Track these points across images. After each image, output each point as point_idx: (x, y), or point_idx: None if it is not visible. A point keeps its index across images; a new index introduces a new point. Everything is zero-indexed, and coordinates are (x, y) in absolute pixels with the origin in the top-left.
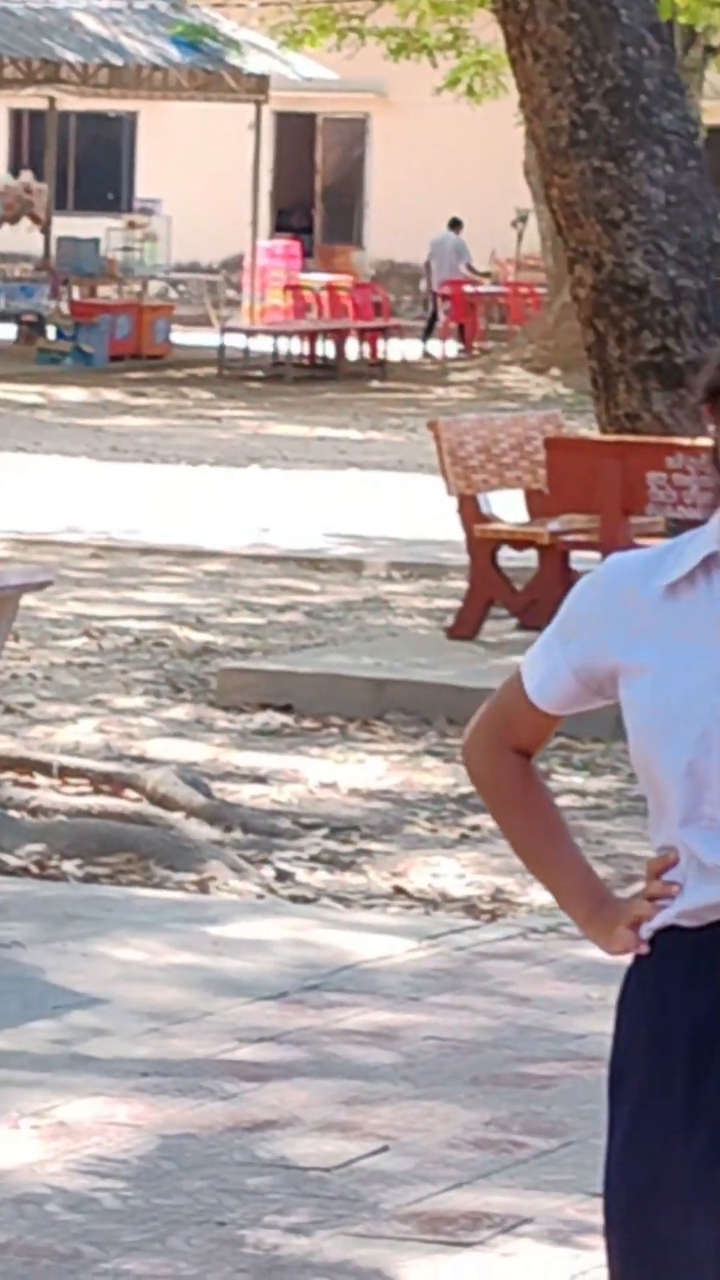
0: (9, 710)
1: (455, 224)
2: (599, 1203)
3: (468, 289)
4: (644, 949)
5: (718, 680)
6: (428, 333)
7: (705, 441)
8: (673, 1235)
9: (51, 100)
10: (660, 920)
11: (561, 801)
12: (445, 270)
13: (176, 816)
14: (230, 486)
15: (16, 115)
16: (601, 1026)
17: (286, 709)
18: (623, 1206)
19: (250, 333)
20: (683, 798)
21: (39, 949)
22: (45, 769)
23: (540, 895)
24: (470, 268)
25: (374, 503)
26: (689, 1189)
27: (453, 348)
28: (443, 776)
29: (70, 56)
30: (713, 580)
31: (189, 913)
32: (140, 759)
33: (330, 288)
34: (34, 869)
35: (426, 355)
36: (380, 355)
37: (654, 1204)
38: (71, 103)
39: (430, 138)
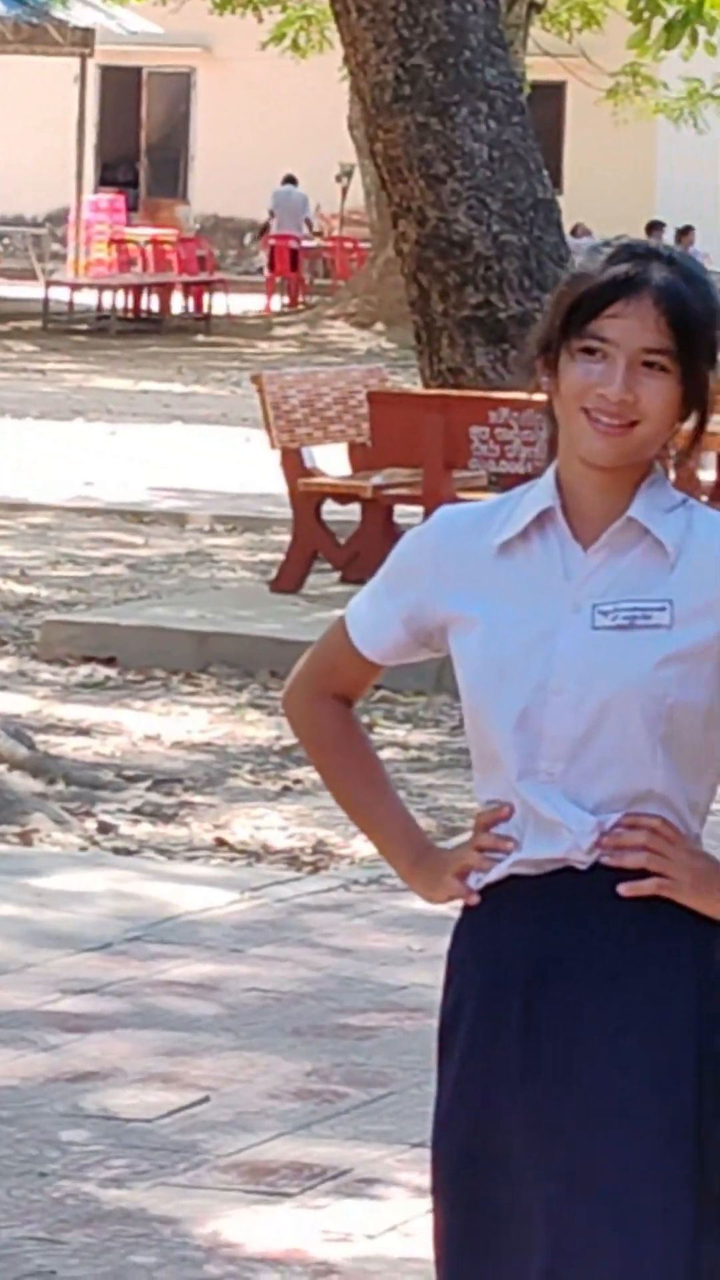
0: None
1: (291, 180)
2: (420, 1153)
3: (293, 244)
4: (474, 899)
5: (550, 635)
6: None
7: (528, 395)
8: (499, 1190)
9: None
10: (496, 873)
11: (384, 754)
12: (290, 224)
13: None
14: (54, 440)
15: None
16: (422, 978)
17: (110, 661)
18: (450, 1160)
19: (75, 286)
20: (516, 752)
21: None
22: None
23: (362, 847)
24: (309, 222)
25: (198, 456)
26: (517, 1144)
27: (277, 301)
28: (265, 729)
29: None
30: (546, 536)
31: (12, 865)
32: None
33: (155, 242)
34: None
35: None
36: (205, 309)
37: (481, 1158)
38: None
39: (255, 92)
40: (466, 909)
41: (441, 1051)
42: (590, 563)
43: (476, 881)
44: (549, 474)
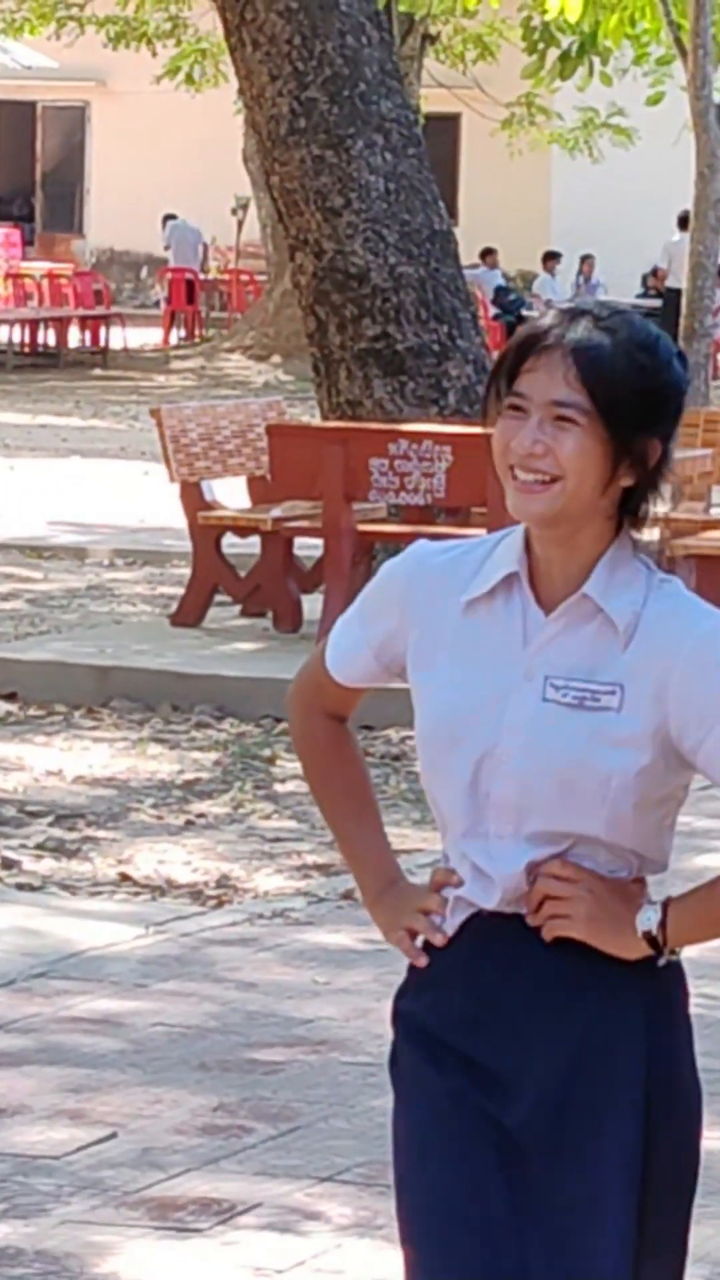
0: None
1: (171, 216)
2: (327, 1188)
3: (188, 276)
4: (421, 961)
5: (501, 700)
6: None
7: (426, 427)
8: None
9: None
10: (450, 927)
11: (287, 787)
12: (188, 257)
13: None
14: None
15: None
16: (328, 1011)
17: (11, 697)
18: (402, 1164)
19: None
20: (464, 812)
21: None
22: None
23: (265, 881)
24: (206, 250)
25: (97, 490)
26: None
27: (175, 335)
28: (168, 764)
29: None
30: (511, 596)
31: None
32: None
33: (51, 275)
34: None
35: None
36: (102, 343)
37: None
38: None
39: (150, 126)
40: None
41: (394, 1084)
42: (548, 630)
43: (437, 930)
44: (519, 533)
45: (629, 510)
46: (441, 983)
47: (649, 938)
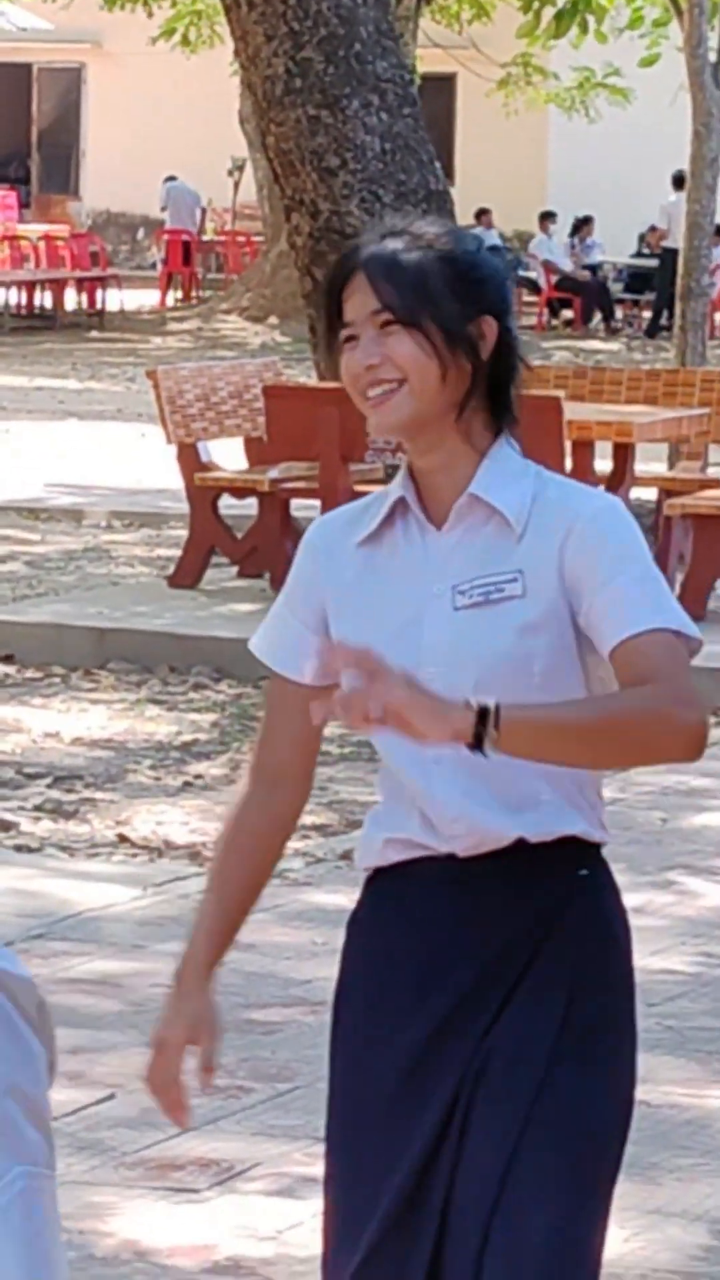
0: None
1: (172, 178)
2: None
3: (185, 238)
4: (183, 1122)
5: (415, 622)
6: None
7: None
8: (371, 1148)
9: None
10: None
11: None
12: (185, 218)
13: None
14: None
15: None
16: (326, 971)
17: (8, 659)
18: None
19: None
20: (401, 746)
21: None
22: None
23: None
24: (203, 211)
25: (94, 452)
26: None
27: (171, 296)
28: (165, 725)
29: None
30: (408, 524)
31: None
32: None
33: (47, 238)
34: None
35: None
36: (99, 305)
37: (362, 1101)
38: None
39: (146, 87)
40: (365, 893)
41: (334, 1030)
42: (444, 544)
43: (380, 860)
44: (403, 466)
45: (496, 405)
46: (384, 922)
47: (480, 710)
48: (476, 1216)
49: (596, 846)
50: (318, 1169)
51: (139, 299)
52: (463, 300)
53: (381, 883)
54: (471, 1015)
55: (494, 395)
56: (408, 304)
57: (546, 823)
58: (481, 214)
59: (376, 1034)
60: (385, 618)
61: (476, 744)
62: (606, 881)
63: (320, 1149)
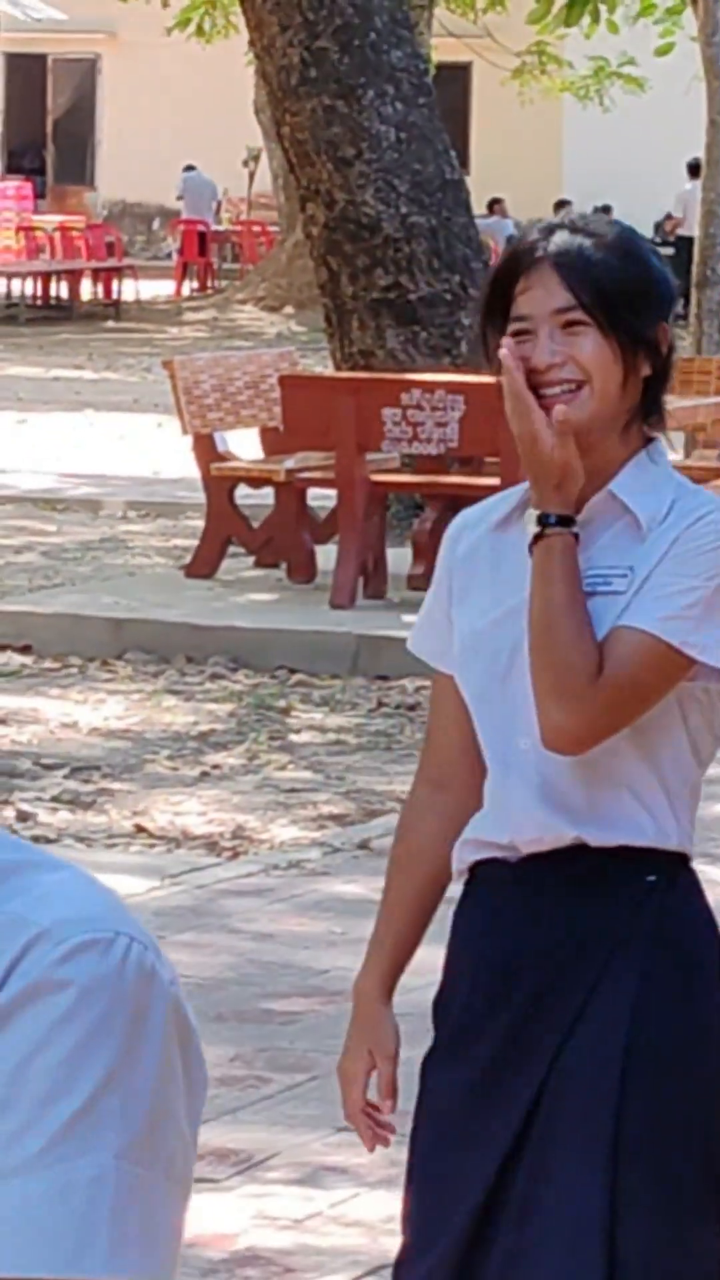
0: None
1: (191, 167)
2: (344, 1138)
3: (200, 228)
4: (371, 1146)
5: (514, 611)
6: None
7: (439, 377)
8: (444, 1160)
9: None
10: (467, 860)
11: (302, 738)
12: (201, 208)
13: None
14: None
15: None
16: (344, 961)
17: (25, 649)
18: (415, 1127)
19: None
20: (490, 726)
21: None
22: None
23: (281, 832)
24: (219, 205)
25: (110, 442)
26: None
27: (187, 286)
28: (182, 715)
29: None
30: (524, 518)
31: None
32: None
33: (63, 228)
34: None
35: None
36: (115, 295)
37: (437, 1128)
38: None
39: (161, 78)
40: (465, 890)
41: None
42: None
43: (460, 864)
44: None
45: (646, 410)
46: (476, 924)
47: (541, 516)
48: (576, 1231)
49: (674, 854)
50: (337, 1158)
51: (155, 289)
52: (646, 304)
53: (467, 886)
54: (542, 1025)
55: (650, 397)
56: (602, 304)
57: (611, 829)
58: (494, 203)
59: (455, 1045)
60: (495, 600)
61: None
62: (684, 889)
63: (339, 1138)
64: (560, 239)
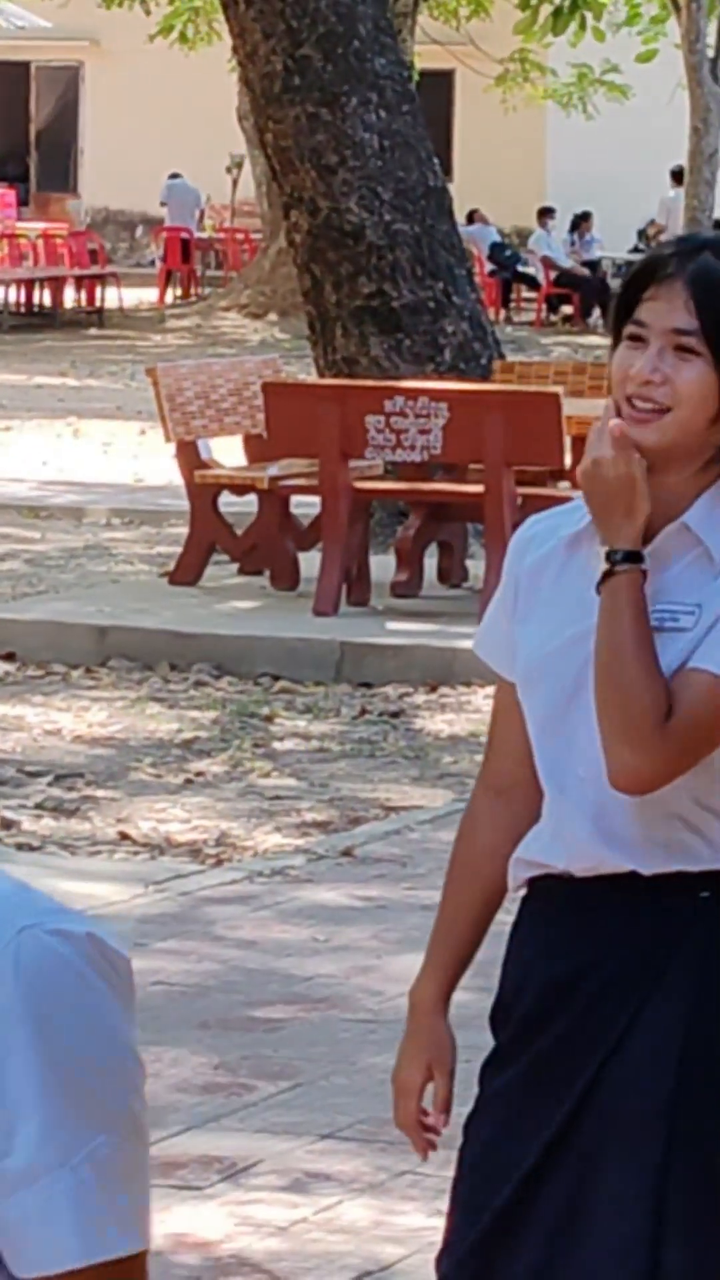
0: None
1: (176, 175)
2: (329, 1144)
3: (184, 235)
4: (426, 1150)
5: (579, 639)
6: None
7: (422, 384)
8: (496, 1150)
9: None
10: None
11: (286, 745)
12: (185, 216)
13: None
14: None
15: None
16: (328, 969)
17: (9, 657)
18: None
19: None
20: (548, 755)
21: None
22: None
23: (264, 839)
24: (202, 213)
25: (94, 450)
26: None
27: (171, 294)
28: (166, 722)
29: None
30: (593, 546)
31: None
32: None
33: (46, 235)
34: None
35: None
36: (98, 303)
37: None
38: None
39: (144, 85)
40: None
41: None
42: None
43: (514, 882)
44: None
45: None
46: (532, 944)
47: (610, 553)
48: (619, 1248)
49: None
50: (321, 1165)
51: (138, 296)
52: None
53: (524, 902)
54: (597, 1028)
55: None
56: (713, 339)
57: (667, 859)
58: (473, 214)
59: (508, 1052)
60: (561, 625)
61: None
62: None
63: (323, 1145)
64: (703, 260)
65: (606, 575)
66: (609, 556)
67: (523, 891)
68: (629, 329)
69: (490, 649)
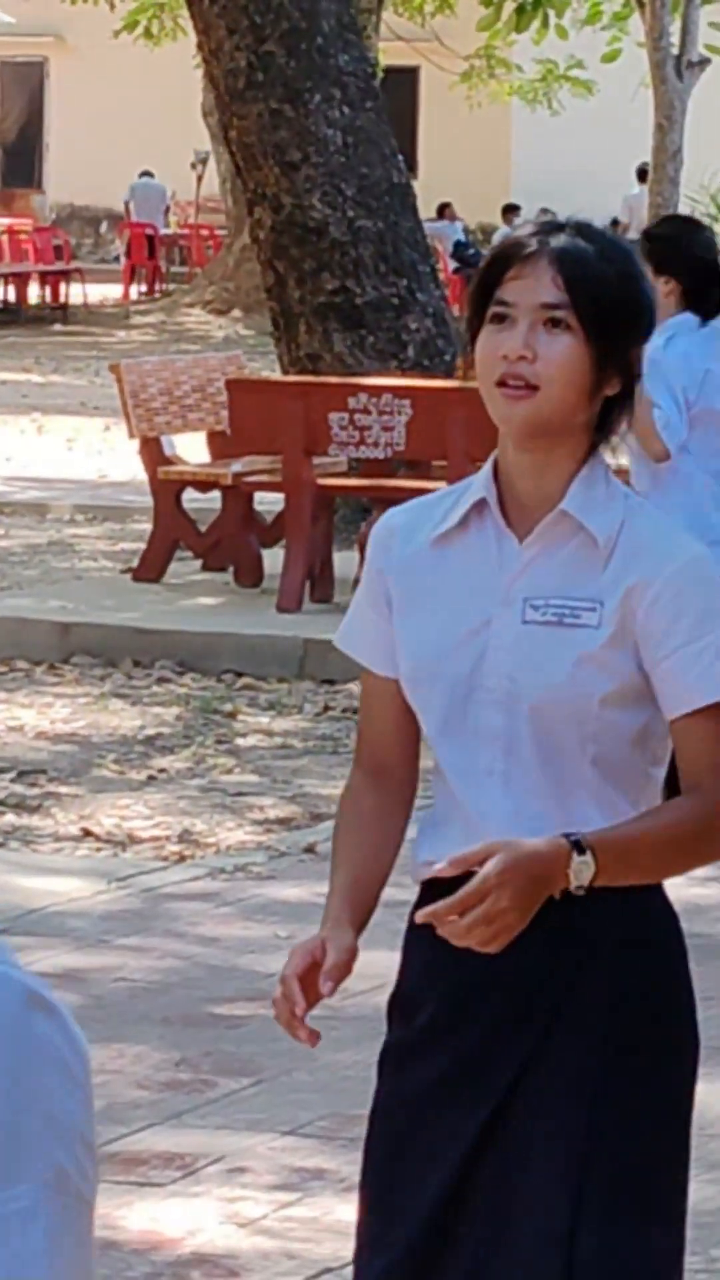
0: None
1: (148, 173)
2: (290, 1141)
3: (148, 231)
4: (302, 1036)
5: (481, 630)
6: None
7: (386, 381)
8: (410, 1134)
9: None
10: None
11: (249, 742)
12: (150, 213)
13: None
14: None
15: None
16: None
17: None
18: (374, 1115)
19: None
20: (453, 749)
21: None
22: None
23: (227, 836)
24: (167, 210)
25: (57, 446)
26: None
27: (135, 290)
28: (129, 719)
29: None
30: (484, 527)
31: None
32: None
33: (11, 231)
34: None
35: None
36: (62, 299)
37: (398, 1111)
38: None
39: (109, 81)
40: (422, 895)
41: (391, 1022)
42: (524, 556)
43: (420, 876)
44: (488, 464)
45: (602, 427)
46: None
47: (574, 842)
48: (537, 1245)
49: None
50: (282, 1161)
51: (102, 292)
52: (627, 323)
53: (426, 897)
54: (511, 1039)
55: (609, 417)
56: (592, 310)
57: None
58: (444, 208)
59: (416, 1048)
60: (451, 621)
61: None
62: (652, 895)
63: (284, 1142)
64: (564, 238)
65: (581, 868)
66: (577, 870)
67: (419, 888)
68: (493, 310)
69: (358, 643)
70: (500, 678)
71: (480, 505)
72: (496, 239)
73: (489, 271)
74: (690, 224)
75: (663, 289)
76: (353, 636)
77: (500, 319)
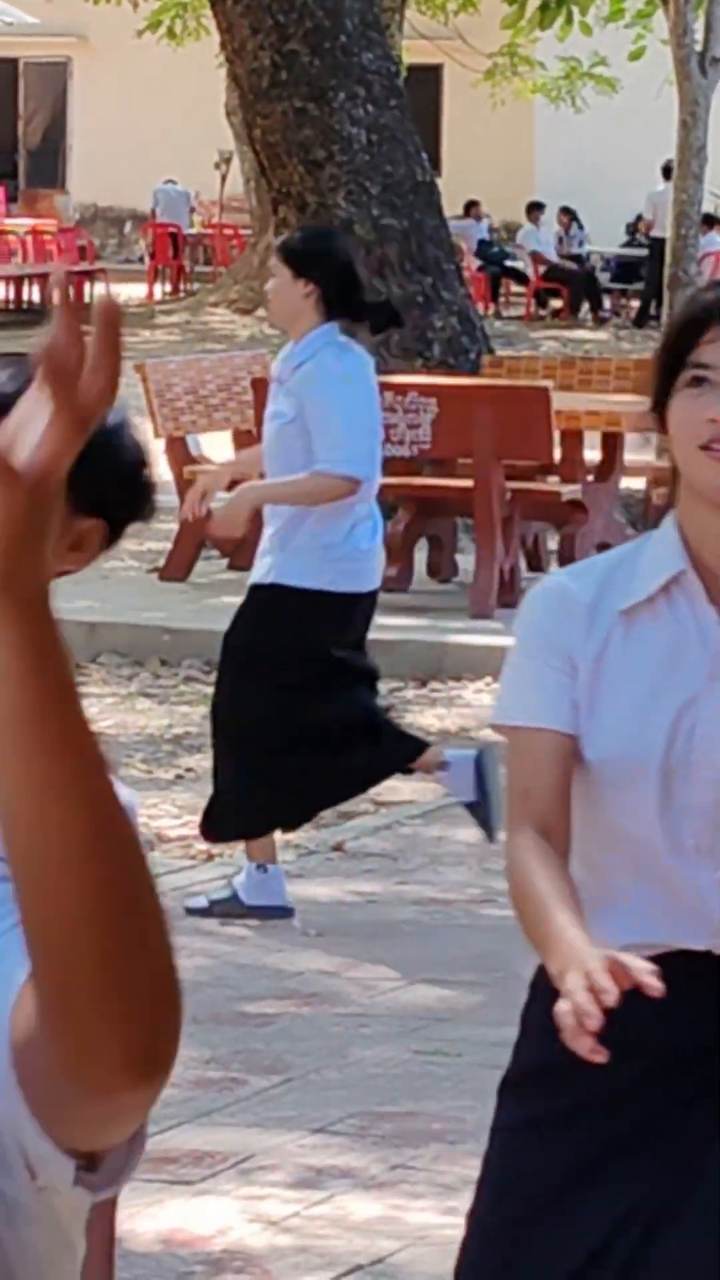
0: None
1: (172, 181)
2: (320, 1139)
3: (172, 231)
4: (596, 1055)
5: (688, 708)
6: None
7: (411, 379)
8: (535, 1220)
9: None
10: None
11: None
12: (174, 216)
13: None
14: None
15: None
16: (318, 963)
17: None
18: (492, 1190)
19: None
20: (658, 830)
21: None
22: None
23: None
24: (192, 210)
25: None
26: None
27: (160, 290)
28: (157, 718)
29: None
30: (674, 599)
31: None
32: None
33: (35, 232)
34: None
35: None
36: (86, 299)
37: (526, 1192)
38: None
39: (132, 81)
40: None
41: (506, 1091)
42: None
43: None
44: (670, 530)
45: None
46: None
47: None
48: None
49: None
50: (313, 1159)
51: (127, 292)
52: None
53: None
54: (710, 1108)
55: None
56: None
57: None
58: (471, 205)
59: (594, 1102)
60: (652, 702)
61: None
62: None
63: (314, 1140)
64: None
65: None
66: None
67: None
68: (692, 374)
69: (530, 706)
70: (716, 755)
71: (674, 581)
72: (520, 238)
73: (682, 335)
74: (331, 233)
75: (302, 290)
76: (517, 706)
77: (699, 382)
